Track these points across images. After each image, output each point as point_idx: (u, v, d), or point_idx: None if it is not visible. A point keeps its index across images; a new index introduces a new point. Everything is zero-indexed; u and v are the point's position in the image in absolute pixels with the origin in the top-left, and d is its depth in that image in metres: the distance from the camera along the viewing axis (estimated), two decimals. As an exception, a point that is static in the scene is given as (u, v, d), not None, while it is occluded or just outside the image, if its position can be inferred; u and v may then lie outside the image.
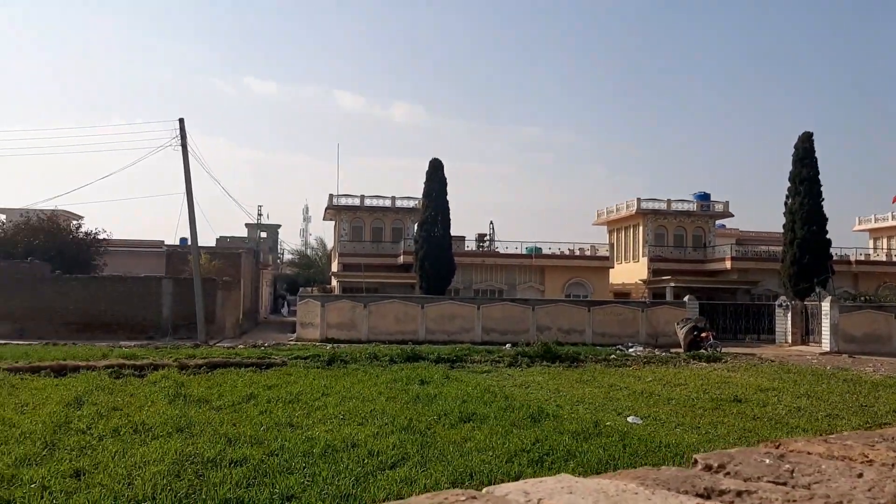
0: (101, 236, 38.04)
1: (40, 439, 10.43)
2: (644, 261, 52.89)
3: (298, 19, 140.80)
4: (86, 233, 37.83)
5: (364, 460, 9.48)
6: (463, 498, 1.00)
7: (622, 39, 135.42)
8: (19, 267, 31.69)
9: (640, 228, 53.98)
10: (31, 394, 14.76)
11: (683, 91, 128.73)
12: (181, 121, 30.40)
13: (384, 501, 7.27)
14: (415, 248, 42.73)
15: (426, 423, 12.16)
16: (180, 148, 30.20)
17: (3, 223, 37.05)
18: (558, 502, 0.97)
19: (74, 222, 39.63)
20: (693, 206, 54.32)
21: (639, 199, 53.84)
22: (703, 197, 54.84)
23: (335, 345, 28.95)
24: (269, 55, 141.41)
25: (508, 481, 1.28)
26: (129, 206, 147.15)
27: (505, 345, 29.37)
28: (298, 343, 30.47)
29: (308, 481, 8.41)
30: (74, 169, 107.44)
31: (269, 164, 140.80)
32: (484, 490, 1.05)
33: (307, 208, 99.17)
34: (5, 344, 25.33)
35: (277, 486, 8.16)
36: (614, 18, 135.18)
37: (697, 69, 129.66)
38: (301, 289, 47.07)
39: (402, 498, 7.66)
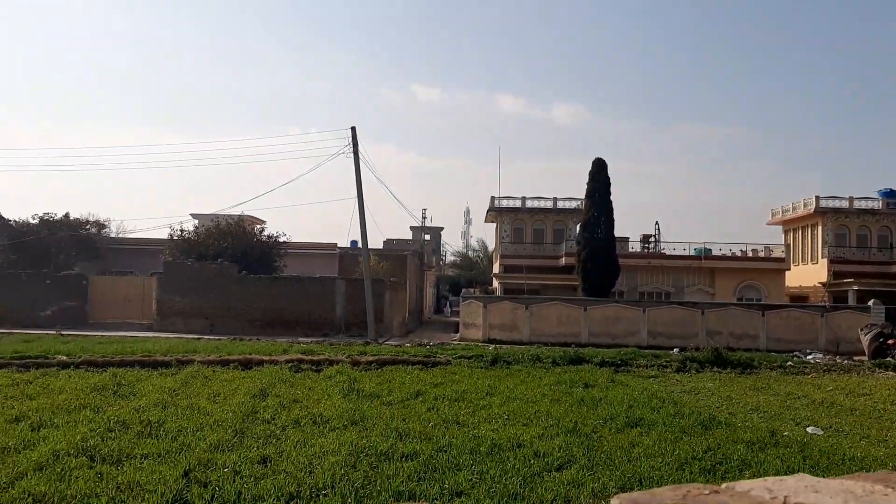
0: (281, 239, 40.57)
1: (231, 427, 11.33)
2: (823, 262, 49.45)
3: (460, 25, 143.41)
4: (268, 236, 40.49)
5: (530, 461, 9.57)
6: (706, 492, 1.03)
7: (791, 28, 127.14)
8: (210, 268, 34.43)
9: (819, 228, 50.53)
10: (222, 385, 16.05)
11: (862, 82, 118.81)
12: (353, 129, 31.83)
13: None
14: (577, 249, 42.33)
15: (592, 427, 12.07)
16: (352, 155, 31.67)
17: (197, 227, 40.38)
18: (805, 500, 0.99)
19: (258, 226, 42.51)
20: (878, 204, 50.18)
21: (817, 197, 50.41)
22: (891, 194, 50.47)
23: (497, 345, 29.25)
24: (433, 62, 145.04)
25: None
26: (305, 210, 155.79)
27: (672, 349, 28.48)
28: (461, 343, 31.03)
29: (476, 479, 8.62)
30: (257, 176, 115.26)
31: (433, 168, 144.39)
32: (724, 485, 1.08)
33: (468, 211, 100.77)
34: (198, 339, 27.66)
35: (447, 482, 8.42)
36: (781, 7, 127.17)
37: (877, 59, 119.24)
38: (463, 290, 47.96)
39: (569, 500, 7.69)
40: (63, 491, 7.91)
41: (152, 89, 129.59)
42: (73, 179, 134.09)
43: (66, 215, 43.86)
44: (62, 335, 27.49)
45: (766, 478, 1.09)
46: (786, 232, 55.99)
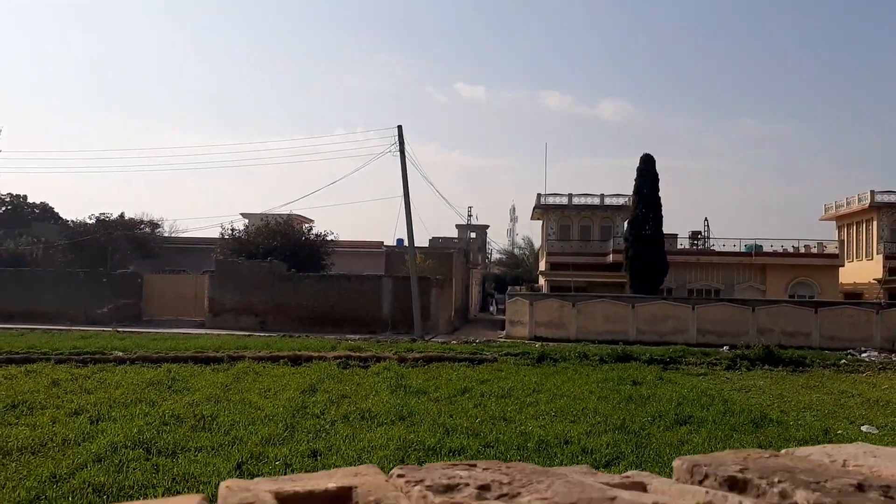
0: (328, 238, 41.01)
1: (282, 421, 11.54)
2: (879, 258, 48.06)
3: (503, 22, 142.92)
4: (316, 234, 40.95)
5: (578, 457, 9.55)
6: (766, 455, 1.05)
7: (842, 23, 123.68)
8: (261, 266, 34.97)
9: (874, 223, 49.12)
10: (272, 380, 16.33)
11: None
12: (399, 128, 31.99)
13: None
14: (624, 246, 41.90)
15: (640, 424, 11.98)
16: (398, 154, 31.83)
17: (247, 226, 41.07)
18: (864, 462, 1.01)
19: (306, 225, 43.02)
20: (938, 198, 48.63)
21: (872, 192, 48.99)
22: (951, 187, 48.88)
23: (543, 343, 29.15)
24: (477, 60, 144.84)
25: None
26: (351, 209, 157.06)
27: (722, 347, 28.03)
28: (508, 340, 31.00)
29: (523, 474, 8.63)
30: (305, 176, 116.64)
31: (478, 166, 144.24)
32: (783, 451, 1.11)
33: (514, 209, 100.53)
34: (249, 335, 28.14)
35: (494, 477, 8.45)
36: (832, 3, 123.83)
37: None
38: (510, 287, 47.83)
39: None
40: (121, 482, 8.17)
41: (203, 93, 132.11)
42: (128, 180, 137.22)
43: (122, 215, 45.04)
44: (118, 332, 28.24)
45: (826, 445, 1.12)
46: (839, 227, 54.64)
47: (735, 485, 0.90)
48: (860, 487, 0.84)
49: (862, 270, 49.25)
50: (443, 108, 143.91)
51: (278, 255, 36.13)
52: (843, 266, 47.91)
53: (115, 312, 34.33)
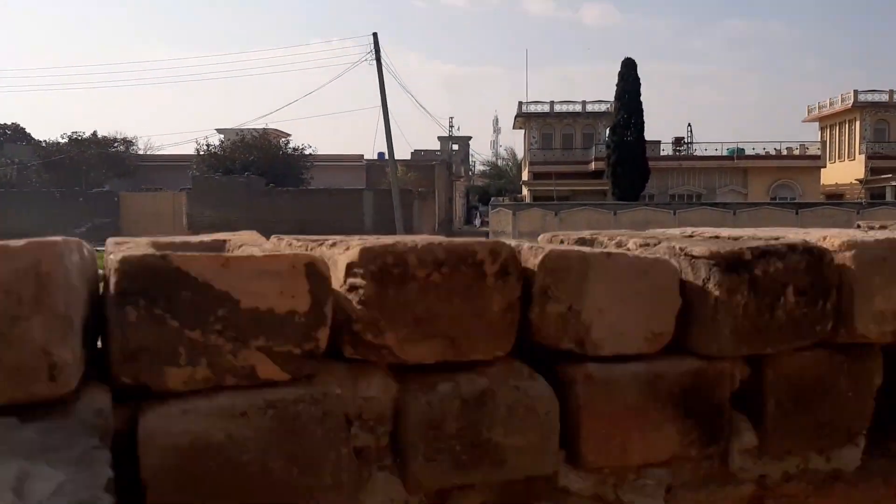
0: (307, 152, 40.58)
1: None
2: (861, 159, 48.32)
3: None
4: (294, 149, 40.51)
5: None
6: (623, 231, 1.11)
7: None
8: (238, 182, 34.69)
9: (857, 123, 49.14)
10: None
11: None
12: (375, 35, 31.27)
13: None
14: (606, 153, 41.83)
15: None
16: (375, 62, 31.22)
17: (223, 142, 40.49)
18: (708, 229, 1.06)
19: (283, 139, 42.49)
20: (921, 97, 48.54)
21: (856, 92, 48.80)
22: (937, 85, 48.70)
23: (526, 251, 29.37)
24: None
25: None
26: (330, 122, 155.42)
27: (702, 250, 28.42)
28: (491, 250, 31.21)
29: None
30: (280, 89, 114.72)
31: (460, 76, 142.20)
32: (648, 231, 1.16)
33: (497, 119, 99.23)
34: (230, 251, 28.10)
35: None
36: None
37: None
38: (493, 199, 47.93)
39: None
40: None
41: (175, 6, 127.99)
42: (98, 97, 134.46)
43: (94, 133, 44.22)
44: (97, 251, 28.07)
45: (669, 229, 1.17)
46: (822, 129, 54.67)
47: (584, 243, 0.97)
48: (689, 236, 0.86)
49: (844, 171, 49.58)
50: (423, 16, 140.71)
51: (255, 171, 35.81)
52: (824, 167, 48.25)
53: (93, 232, 34.07)
